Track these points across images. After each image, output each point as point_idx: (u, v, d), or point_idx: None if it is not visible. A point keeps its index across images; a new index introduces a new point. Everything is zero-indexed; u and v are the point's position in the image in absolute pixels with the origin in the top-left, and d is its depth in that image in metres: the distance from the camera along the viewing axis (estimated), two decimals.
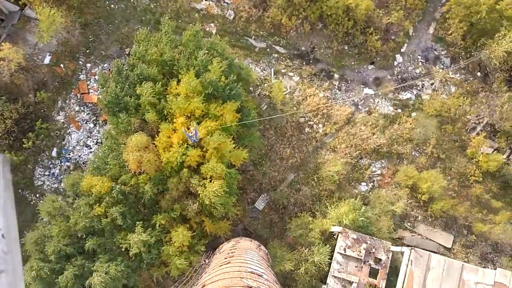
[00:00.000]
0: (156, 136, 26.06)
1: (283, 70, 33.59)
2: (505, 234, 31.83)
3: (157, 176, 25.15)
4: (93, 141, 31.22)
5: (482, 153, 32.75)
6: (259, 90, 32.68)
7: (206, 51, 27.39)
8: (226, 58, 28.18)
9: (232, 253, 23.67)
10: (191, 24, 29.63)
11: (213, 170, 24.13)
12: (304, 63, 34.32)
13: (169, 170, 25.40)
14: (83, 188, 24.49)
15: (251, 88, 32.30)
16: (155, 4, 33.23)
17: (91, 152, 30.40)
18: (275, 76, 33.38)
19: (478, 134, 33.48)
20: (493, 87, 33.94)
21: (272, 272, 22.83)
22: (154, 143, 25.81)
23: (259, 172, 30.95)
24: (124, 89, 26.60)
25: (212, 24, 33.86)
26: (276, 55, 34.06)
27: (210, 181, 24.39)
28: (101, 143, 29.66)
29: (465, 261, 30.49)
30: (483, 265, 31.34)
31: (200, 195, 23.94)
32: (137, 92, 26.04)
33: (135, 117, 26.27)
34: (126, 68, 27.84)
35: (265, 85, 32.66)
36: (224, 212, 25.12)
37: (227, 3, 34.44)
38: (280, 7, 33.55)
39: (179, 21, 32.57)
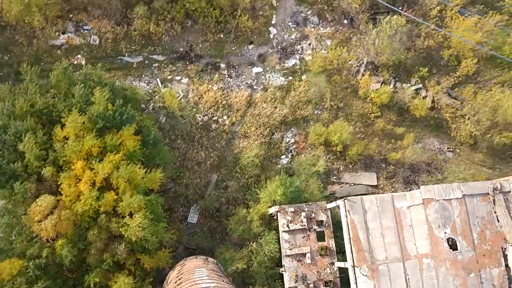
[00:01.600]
0: (59, 191, 23.47)
1: (169, 77, 32.50)
2: (416, 154, 34.90)
3: (76, 233, 22.74)
4: None
5: (372, 90, 35.09)
6: (152, 105, 31.24)
7: (82, 85, 25.21)
8: (105, 84, 26.27)
9: (179, 279, 22.53)
10: (56, 63, 27.00)
11: (130, 206, 22.43)
12: (187, 63, 33.52)
13: (87, 220, 23.14)
14: None
15: (143, 106, 30.80)
16: (8, 56, 29.61)
17: None
18: (163, 85, 32.12)
19: (363, 75, 35.80)
20: (360, 29, 36.20)
21: (226, 280, 22.18)
22: (61, 200, 23.24)
23: (181, 185, 29.88)
24: (5, 156, 23.43)
25: (79, 55, 31.46)
26: (156, 64, 32.78)
27: (131, 216, 22.70)
28: None
29: (392, 192, 32.77)
30: (409, 189, 33.93)
31: (125, 235, 22.18)
32: (20, 149, 23.08)
33: (29, 180, 23.34)
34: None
35: (156, 97, 31.32)
36: (157, 241, 23.63)
37: (87, 29, 32.04)
38: (144, 17, 32.21)
39: (42, 64, 29.60)
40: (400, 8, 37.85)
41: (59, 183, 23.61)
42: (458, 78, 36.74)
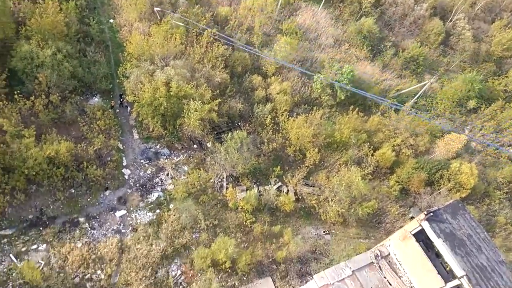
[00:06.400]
0: None
1: (23, 249, 32.91)
2: (299, 246, 41.05)
3: None
4: None
5: (240, 200, 41.45)
6: (10, 284, 30.65)
7: None
8: None
9: None
10: None
11: None
12: (41, 228, 34.69)
13: None
14: None
15: None
16: None
17: None
18: (18, 259, 32.23)
19: (227, 188, 42.34)
20: (210, 149, 44.00)
21: None
22: None
23: None
24: None
25: None
26: (5, 240, 33.05)
27: None
28: None
29: None
30: (305, 281, 38.79)
31: None
32: None
33: None
34: None
35: (14, 274, 31.07)
36: None
37: None
38: None
39: None
40: (239, 123, 47.97)
41: None
42: (308, 168, 46.38)
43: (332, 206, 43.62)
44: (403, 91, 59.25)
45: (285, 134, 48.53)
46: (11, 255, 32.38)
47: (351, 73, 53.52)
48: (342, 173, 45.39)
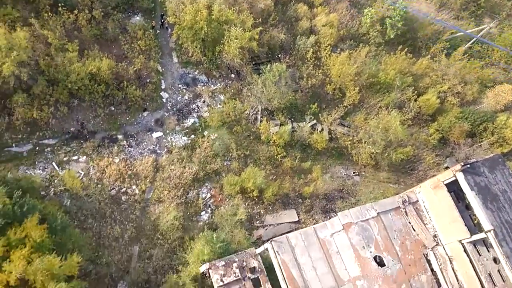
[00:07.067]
0: None
1: (65, 158, 35.56)
2: (326, 184, 42.15)
3: None
4: None
5: (273, 133, 42.25)
6: (52, 190, 33.69)
7: None
8: None
9: None
10: None
11: None
12: (81, 141, 37.03)
13: None
14: None
15: (42, 193, 33.09)
16: None
17: None
18: (60, 167, 35.00)
19: (261, 121, 43.09)
20: (248, 80, 44.22)
21: None
22: None
23: (102, 265, 32.11)
24: None
25: None
26: (48, 148, 35.69)
27: None
28: None
29: (314, 223, 38.64)
30: (328, 217, 40.27)
31: None
32: None
33: None
34: None
35: (55, 181, 33.96)
36: None
37: None
38: (25, 104, 35.14)
39: None
40: (279, 55, 47.43)
41: None
42: (346, 108, 46.17)
43: (365, 148, 43.78)
44: (458, 34, 56.16)
45: (326, 70, 47.82)
46: (53, 163, 35.17)
47: (405, 10, 50.91)
48: (381, 116, 44.98)
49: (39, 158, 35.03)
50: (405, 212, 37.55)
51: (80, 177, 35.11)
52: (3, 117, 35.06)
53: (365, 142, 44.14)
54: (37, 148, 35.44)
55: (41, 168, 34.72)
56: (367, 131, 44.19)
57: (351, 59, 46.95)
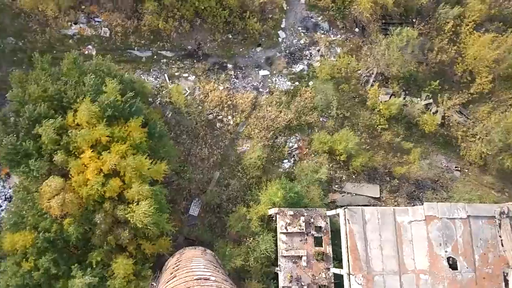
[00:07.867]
0: (69, 176, 28.81)
1: (176, 73, 38.60)
2: (422, 170, 40.46)
3: (82, 215, 28.17)
4: (0, 198, 33.14)
5: (381, 102, 40.91)
6: (159, 99, 37.20)
7: (92, 76, 30.45)
8: (114, 76, 31.81)
9: (177, 266, 27.60)
10: (67, 52, 32.67)
11: (138, 193, 27.88)
12: (194, 61, 39.60)
13: (92, 204, 28.51)
14: (6, 247, 26.67)
15: (150, 99, 36.65)
16: (22, 41, 35.73)
17: (2, 210, 32.23)
18: (170, 81, 38.17)
19: (372, 85, 41.76)
20: (371, 38, 42.47)
21: (221, 271, 27.17)
22: (69, 183, 28.62)
23: (184, 179, 35.63)
24: (19, 137, 28.83)
25: (90, 46, 37.58)
26: (164, 60, 38.87)
27: (137, 203, 28.06)
28: (10, 198, 31.58)
29: (395, 205, 38.02)
30: (412, 204, 39.31)
31: (131, 221, 27.57)
32: (38, 131, 28.41)
33: (41, 160, 28.55)
34: (11, 116, 30.10)
35: (163, 92, 37.31)
36: (159, 231, 28.99)
37: (98, 21, 38.17)
38: (154, 13, 38.17)
39: (54, 51, 35.67)
40: (413, 20, 44.35)
41: (68, 168, 29.00)
42: (472, 95, 42.64)
43: (478, 145, 40.75)
44: None
45: (461, 48, 43.88)
46: (166, 75, 38.45)
47: None
48: (508, 115, 40.98)
49: (155, 67, 38.45)
50: (499, 224, 35.04)
51: (186, 94, 38.02)
52: (133, 20, 38.43)
53: (479, 138, 41.00)
54: (155, 57, 38.81)
55: (154, 76, 38.23)
56: (485, 126, 40.81)
57: (495, 43, 42.40)
